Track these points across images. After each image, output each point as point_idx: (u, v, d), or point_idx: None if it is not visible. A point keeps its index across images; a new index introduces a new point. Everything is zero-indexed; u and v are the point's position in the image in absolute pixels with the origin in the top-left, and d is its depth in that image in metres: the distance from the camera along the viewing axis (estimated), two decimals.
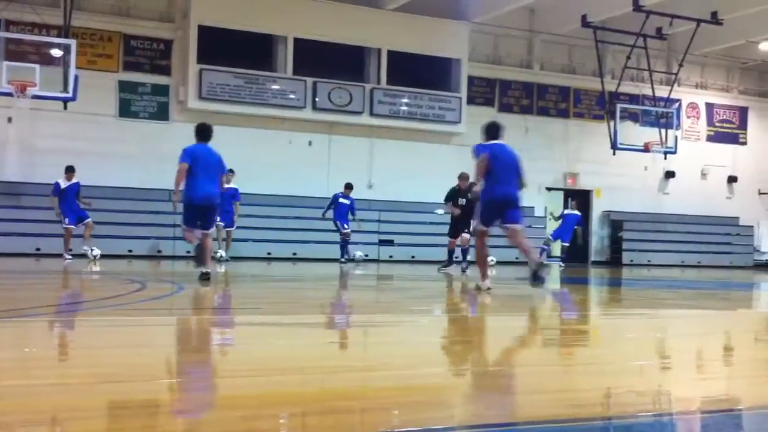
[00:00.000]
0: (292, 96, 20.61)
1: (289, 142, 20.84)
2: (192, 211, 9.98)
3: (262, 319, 6.50)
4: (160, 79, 19.85)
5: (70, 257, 15.73)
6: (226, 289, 10.08)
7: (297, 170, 20.72)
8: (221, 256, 17.16)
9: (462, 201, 14.38)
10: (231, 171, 17.54)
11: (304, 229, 19.83)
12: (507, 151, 9.34)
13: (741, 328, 7.03)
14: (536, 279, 9.05)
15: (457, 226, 14.89)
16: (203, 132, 10.10)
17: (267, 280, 12.44)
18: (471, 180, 11.84)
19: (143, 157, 19.29)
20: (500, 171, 9.14)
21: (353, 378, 3.68)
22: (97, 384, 3.30)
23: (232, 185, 17.67)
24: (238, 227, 18.20)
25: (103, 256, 16.24)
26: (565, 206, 22.05)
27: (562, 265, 21.10)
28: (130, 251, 18.18)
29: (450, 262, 15.63)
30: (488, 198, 9.24)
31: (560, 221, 21.06)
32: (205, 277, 9.69)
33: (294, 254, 19.67)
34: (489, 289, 9.26)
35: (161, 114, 19.82)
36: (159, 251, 18.58)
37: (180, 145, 10.34)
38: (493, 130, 9.41)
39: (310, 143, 21.14)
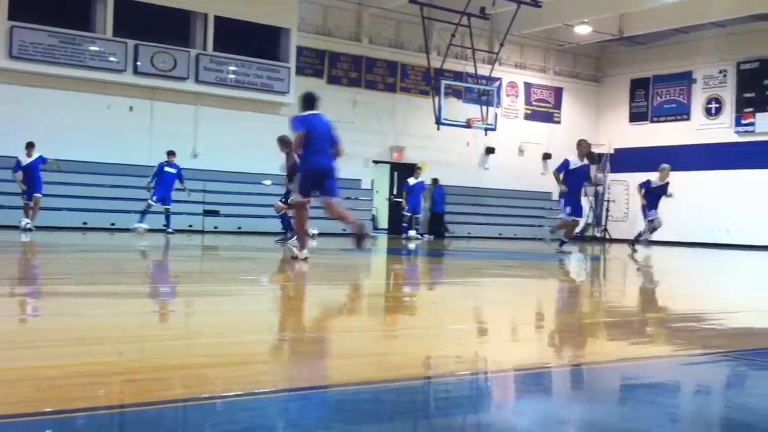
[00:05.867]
0: (112, 58, 19.68)
1: (108, 107, 19.89)
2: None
3: (74, 289, 6.17)
4: None
5: None
6: (33, 259, 9.51)
7: (116, 136, 19.83)
8: (26, 225, 16.33)
9: None
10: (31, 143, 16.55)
11: (123, 198, 19.03)
12: (322, 122, 9.35)
13: (551, 294, 7.40)
14: (360, 243, 9.18)
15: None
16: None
17: (82, 250, 11.86)
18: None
19: None
20: (317, 142, 9.16)
21: (171, 346, 3.56)
22: None
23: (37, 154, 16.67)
24: (52, 195, 17.32)
25: None
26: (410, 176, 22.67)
27: (424, 236, 21.82)
28: None
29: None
30: (306, 169, 9.29)
31: (407, 193, 21.81)
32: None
33: (112, 224, 18.86)
34: (306, 258, 9.24)
35: None
36: None
37: None
38: (309, 101, 9.43)
39: (131, 108, 20.28)
